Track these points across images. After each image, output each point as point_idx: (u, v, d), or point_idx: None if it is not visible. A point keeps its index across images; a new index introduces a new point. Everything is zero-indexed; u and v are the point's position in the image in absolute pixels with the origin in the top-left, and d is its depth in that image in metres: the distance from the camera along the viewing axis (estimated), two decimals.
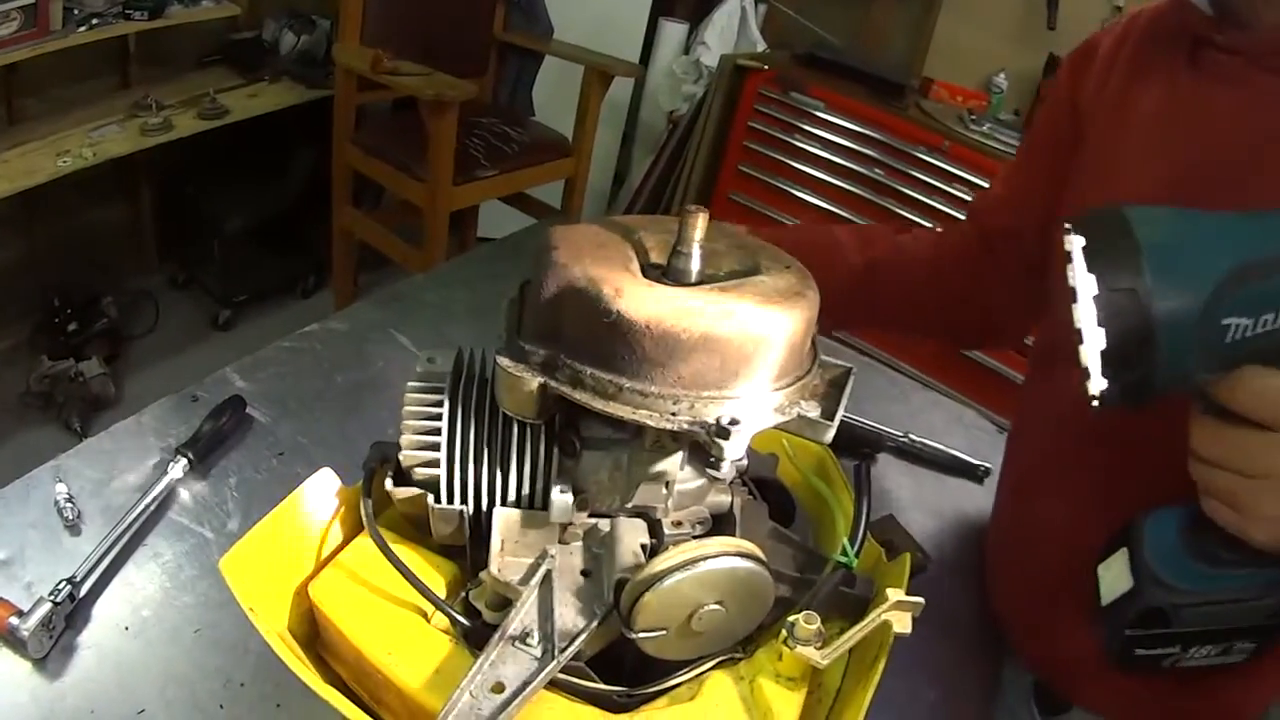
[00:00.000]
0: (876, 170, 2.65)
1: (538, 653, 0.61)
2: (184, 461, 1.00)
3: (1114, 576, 0.60)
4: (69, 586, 0.84)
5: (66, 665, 0.81)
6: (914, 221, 2.55)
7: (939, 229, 1.06)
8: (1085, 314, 0.49)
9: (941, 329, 1.19)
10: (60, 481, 0.96)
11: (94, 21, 2.40)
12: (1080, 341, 0.50)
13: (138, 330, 2.89)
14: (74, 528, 0.93)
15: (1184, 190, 0.69)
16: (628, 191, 3.56)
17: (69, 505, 0.94)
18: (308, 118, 2.82)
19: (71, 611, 0.85)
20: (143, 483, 0.99)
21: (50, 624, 0.81)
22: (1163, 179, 0.74)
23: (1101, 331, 0.49)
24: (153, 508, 0.96)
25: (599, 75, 2.63)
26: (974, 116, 2.57)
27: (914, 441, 1.25)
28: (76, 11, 2.38)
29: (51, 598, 0.82)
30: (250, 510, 1.00)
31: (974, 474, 1.24)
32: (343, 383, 1.20)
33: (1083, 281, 0.49)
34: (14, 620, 0.79)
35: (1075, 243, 0.50)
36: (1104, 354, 0.49)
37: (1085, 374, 0.51)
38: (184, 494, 1.00)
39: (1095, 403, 0.51)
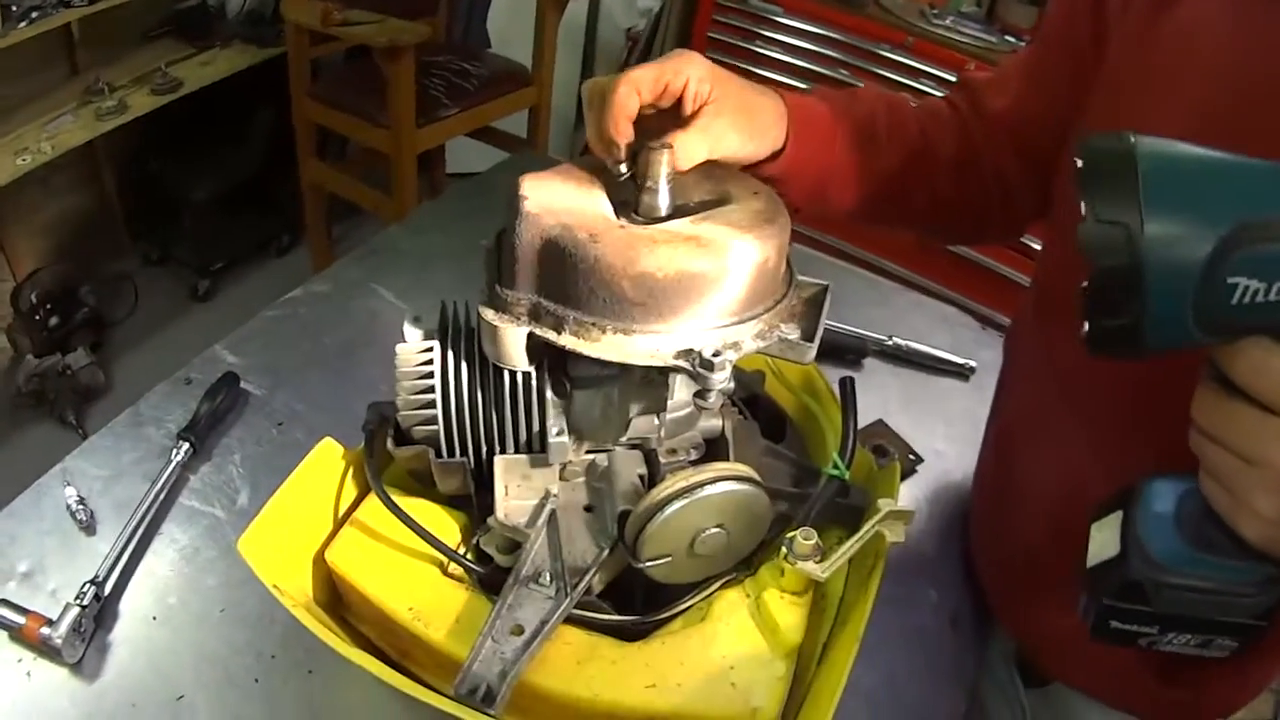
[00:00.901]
0: (841, 71, 2.62)
1: (551, 591, 0.64)
2: (186, 446, 1.02)
3: (1104, 539, 0.55)
4: (93, 588, 0.86)
5: (102, 664, 0.83)
6: None
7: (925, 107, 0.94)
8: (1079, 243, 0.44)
9: (938, 219, 1.03)
10: (69, 485, 0.97)
11: (34, 15, 2.31)
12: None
13: (119, 314, 2.86)
14: (89, 528, 0.94)
15: (1226, 124, 0.61)
16: None
17: (80, 507, 0.95)
18: (263, 78, 2.76)
19: (99, 611, 0.86)
20: (149, 473, 1.00)
21: (80, 627, 0.83)
22: (1200, 109, 0.64)
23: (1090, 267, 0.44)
24: (162, 496, 0.97)
25: (553, 1, 2.58)
26: (935, 11, 2.53)
27: (899, 344, 1.27)
28: (15, 7, 2.29)
29: (78, 602, 0.84)
30: (258, 483, 1.01)
31: (961, 372, 1.27)
32: (331, 344, 1.21)
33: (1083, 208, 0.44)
34: (45, 630, 0.81)
35: (1076, 163, 0.45)
36: (1085, 290, 0.44)
37: (1081, 305, 0.46)
38: (191, 478, 1.02)
39: (1083, 344, 0.46)
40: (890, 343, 1.26)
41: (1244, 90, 0.61)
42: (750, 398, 0.85)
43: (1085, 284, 0.44)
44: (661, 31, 3.01)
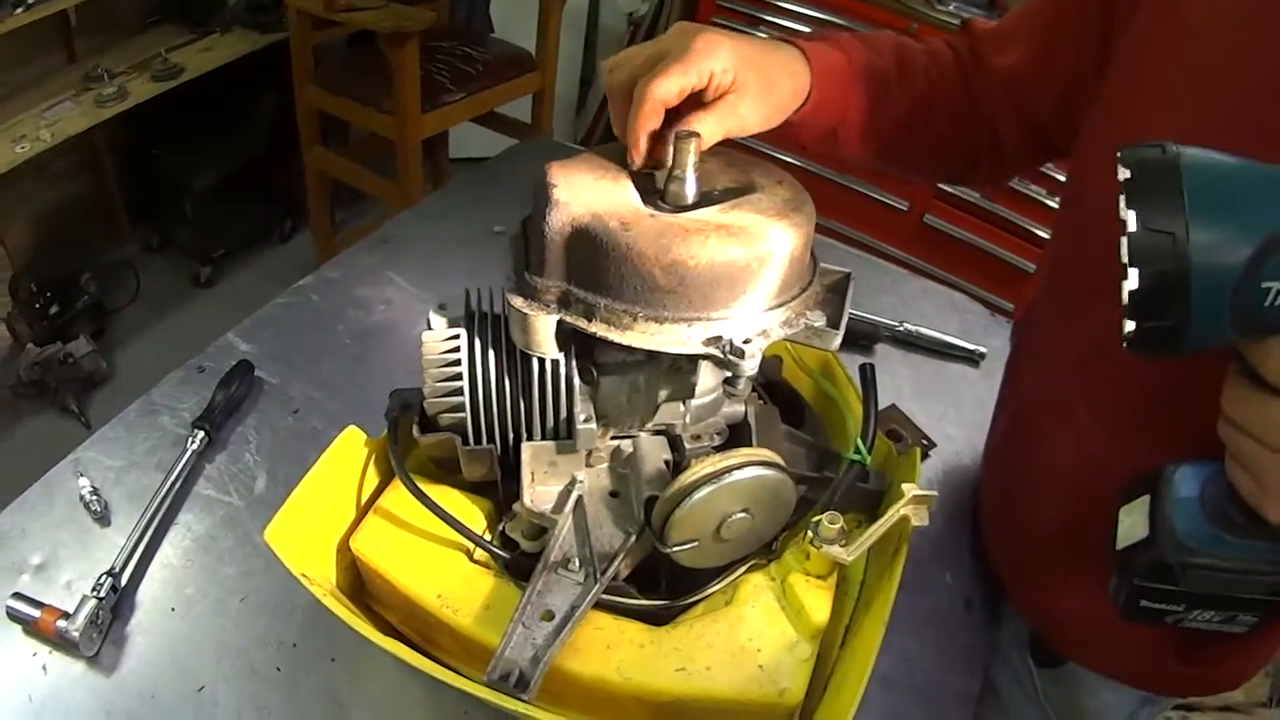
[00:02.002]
0: None
1: (580, 577, 0.65)
2: (201, 434, 1.01)
3: (1133, 522, 0.59)
4: (110, 579, 0.85)
5: (120, 657, 0.83)
6: None
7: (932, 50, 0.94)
8: (1124, 250, 0.47)
9: (931, 162, 1.02)
10: (82, 475, 0.97)
11: (29, 1, 2.30)
12: (1124, 277, 0.47)
13: (120, 301, 2.86)
14: (103, 519, 0.94)
15: (1237, 123, 0.63)
16: (595, 97, 3.52)
17: (94, 498, 0.95)
18: (263, 62, 2.75)
19: (116, 603, 0.86)
20: (163, 463, 1.00)
21: (98, 620, 0.82)
22: (1210, 107, 0.66)
23: (1135, 271, 0.46)
24: (178, 486, 0.97)
25: None
26: None
27: (910, 330, 1.27)
28: None
29: (94, 594, 0.83)
30: (275, 471, 1.01)
31: (970, 358, 1.27)
32: (345, 331, 1.22)
33: (1126, 218, 0.46)
34: (61, 624, 0.81)
35: (1122, 173, 0.48)
36: (1133, 295, 0.46)
37: (1123, 306, 0.48)
38: (206, 466, 1.01)
39: (1125, 344, 0.49)
40: (901, 329, 1.27)
41: (1253, 90, 0.62)
42: (769, 383, 0.86)
43: (1133, 288, 0.46)
44: (665, 16, 3.00)
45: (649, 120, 0.66)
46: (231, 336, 1.19)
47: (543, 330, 0.63)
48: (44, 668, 0.81)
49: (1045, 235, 2.36)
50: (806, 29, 2.65)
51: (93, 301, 2.71)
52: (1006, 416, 0.99)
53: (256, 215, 3.14)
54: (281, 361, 1.15)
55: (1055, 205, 2.33)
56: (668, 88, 0.65)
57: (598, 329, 0.61)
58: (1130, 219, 0.46)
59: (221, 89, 2.71)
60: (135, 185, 3.02)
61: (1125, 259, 0.46)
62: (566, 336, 0.65)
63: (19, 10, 2.28)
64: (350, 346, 1.19)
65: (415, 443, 0.74)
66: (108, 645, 0.83)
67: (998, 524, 0.99)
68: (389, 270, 1.32)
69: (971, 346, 1.27)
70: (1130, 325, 0.47)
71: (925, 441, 1.12)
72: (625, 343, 0.61)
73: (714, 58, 0.67)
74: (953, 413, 1.18)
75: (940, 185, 2.47)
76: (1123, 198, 0.47)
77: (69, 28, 2.60)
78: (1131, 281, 0.46)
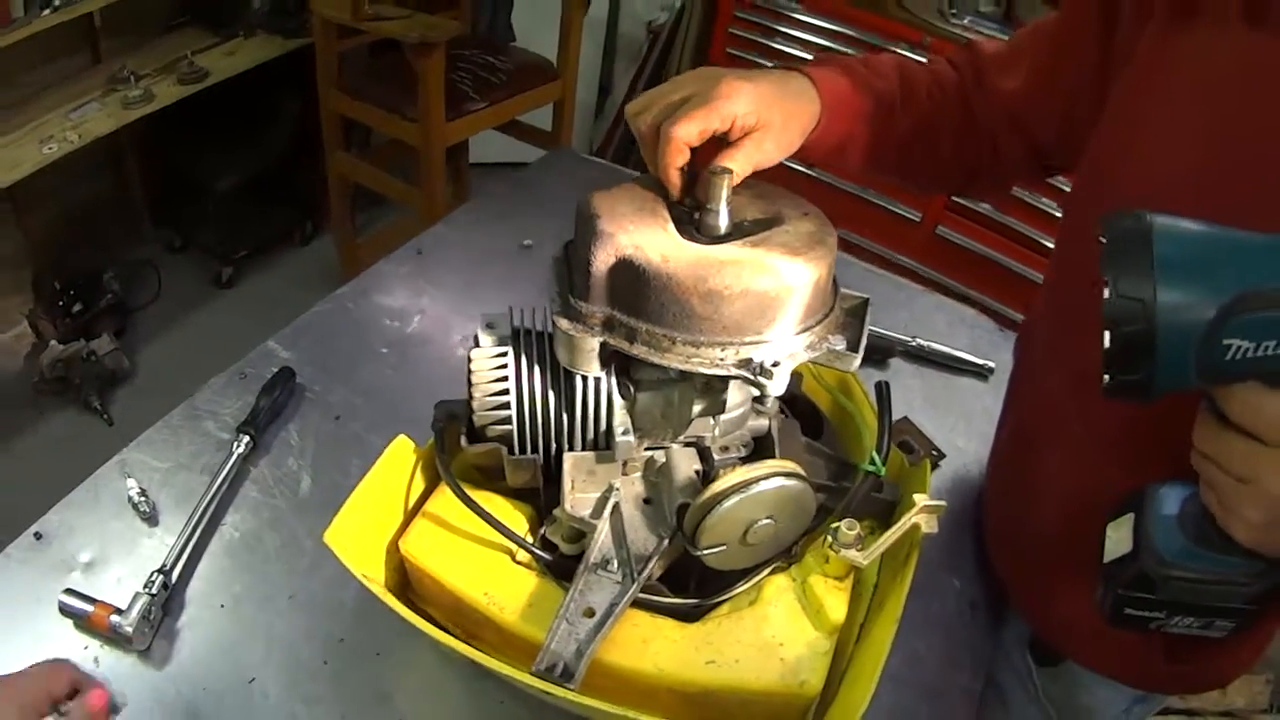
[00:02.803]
0: None
1: (619, 577, 0.70)
2: (246, 439, 1.06)
3: (1119, 538, 0.65)
4: (161, 576, 0.89)
5: (171, 651, 0.87)
6: None
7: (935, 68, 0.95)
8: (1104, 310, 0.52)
9: (931, 176, 1.06)
10: (129, 477, 1.01)
11: (56, 3, 2.34)
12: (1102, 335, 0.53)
13: (142, 300, 2.92)
14: (151, 519, 0.98)
15: (1220, 161, 0.67)
16: (613, 105, 3.57)
17: (143, 499, 0.99)
18: (287, 67, 2.80)
19: (167, 600, 0.90)
20: (208, 466, 1.05)
21: (150, 615, 0.86)
22: (1199, 145, 0.69)
23: (1108, 333, 0.51)
24: (224, 488, 1.01)
25: None
26: (954, 10, 2.57)
27: (922, 345, 1.33)
28: None
29: (147, 590, 0.88)
30: (318, 476, 1.06)
31: (980, 373, 1.33)
32: (381, 340, 1.27)
33: (1105, 281, 0.52)
34: (115, 618, 0.85)
35: (1101, 242, 0.53)
36: (1107, 352, 0.52)
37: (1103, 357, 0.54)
38: (251, 470, 1.06)
39: (1102, 392, 0.54)
40: (914, 344, 1.32)
41: (1251, 123, 0.66)
42: (790, 398, 0.91)
43: (1106, 346, 0.52)
44: (684, 26, 3.05)
45: (675, 158, 0.72)
46: (271, 343, 1.23)
47: (587, 351, 0.69)
48: (96, 660, 0.85)
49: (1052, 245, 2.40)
50: (820, 41, 2.69)
51: (115, 300, 2.77)
52: (1008, 430, 1.04)
53: (277, 218, 3.21)
54: (321, 369, 1.20)
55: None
56: (689, 130, 0.71)
57: (639, 351, 0.67)
58: (1106, 285, 0.51)
59: (244, 93, 2.76)
60: (158, 185, 3.07)
61: (1103, 319, 0.52)
62: (608, 356, 0.71)
63: (46, 12, 2.33)
64: (387, 355, 1.24)
65: (459, 451, 0.79)
66: (159, 639, 0.87)
67: (1000, 532, 1.04)
68: (422, 282, 1.38)
69: (981, 361, 1.32)
70: (1106, 377, 0.53)
71: (935, 452, 1.17)
72: (664, 364, 0.66)
73: (736, 101, 0.73)
74: (962, 425, 1.23)
75: (952, 198, 2.51)
76: (1102, 262, 0.52)
77: (94, 29, 2.64)
78: (1105, 340, 0.52)
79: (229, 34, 2.83)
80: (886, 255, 2.52)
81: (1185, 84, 0.70)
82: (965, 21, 2.55)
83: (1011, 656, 1.06)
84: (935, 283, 2.24)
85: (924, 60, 0.96)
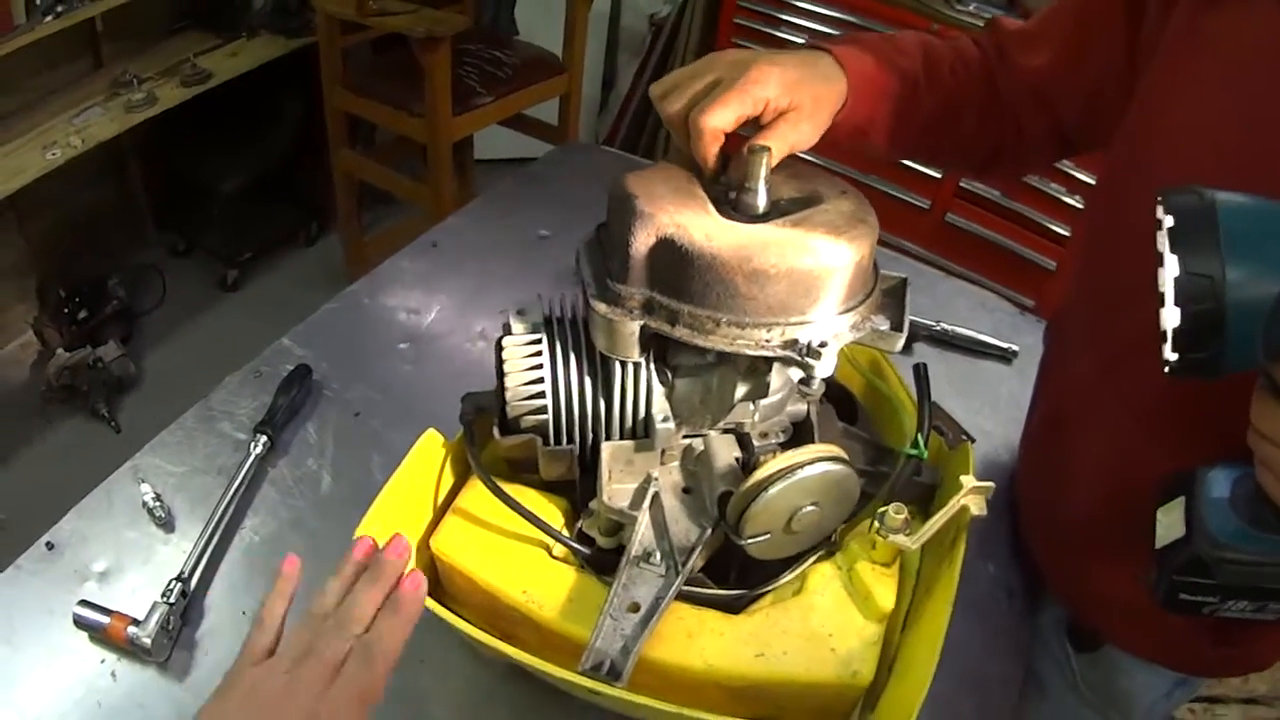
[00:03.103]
0: None
1: (662, 570, 0.69)
2: (264, 439, 1.04)
3: (1171, 522, 0.64)
4: (179, 584, 0.86)
5: (191, 661, 0.85)
6: None
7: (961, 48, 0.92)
8: (1167, 288, 0.52)
9: (954, 155, 1.06)
10: (143, 482, 0.98)
11: (59, 9, 2.32)
12: (1162, 305, 0.52)
13: (147, 305, 2.89)
14: (166, 525, 0.96)
15: (1253, 142, 0.66)
16: (617, 98, 3.55)
17: (158, 504, 0.96)
18: (289, 66, 2.78)
19: (186, 609, 0.87)
20: (224, 468, 1.02)
21: (168, 625, 0.83)
22: (1231, 126, 0.68)
23: (1178, 311, 0.51)
24: (243, 490, 0.98)
25: None
26: None
27: (946, 330, 1.31)
28: (39, 1, 2.31)
29: (165, 599, 0.84)
30: (339, 474, 1.04)
31: (1004, 356, 1.31)
32: (398, 335, 1.25)
33: (1167, 260, 0.51)
34: (132, 630, 0.82)
35: (1164, 221, 0.52)
36: (1176, 332, 0.51)
37: (1162, 337, 0.53)
38: (269, 470, 1.03)
39: (1167, 371, 0.54)
40: (938, 329, 1.31)
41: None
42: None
43: (1175, 325, 0.52)
44: (688, 16, 3.03)
45: (711, 148, 0.70)
46: (286, 341, 1.21)
47: (626, 335, 0.67)
48: (113, 674, 0.83)
49: (1065, 233, 2.38)
50: (827, 30, 2.67)
51: (121, 306, 2.74)
52: (1041, 413, 1.02)
53: (282, 219, 3.18)
54: (337, 365, 1.18)
55: (1074, 203, 2.35)
56: (725, 117, 0.69)
57: (681, 334, 0.65)
58: (1172, 263, 0.51)
59: (247, 94, 2.73)
60: (161, 189, 3.05)
61: (1169, 298, 0.51)
62: (647, 340, 0.69)
63: (48, 18, 2.31)
64: (405, 350, 1.22)
65: (489, 443, 0.78)
66: (178, 650, 0.85)
67: (1035, 516, 1.02)
68: (438, 275, 1.36)
69: (1004, 345, 1.31)
70: (1174, 356, 0.53)
71: (965, 436, 1.15)
72: (709, 346, 0.64)
73: (767, 86, 0.71)
74: (988, 409, 1.22)
75: (961, 184, 2.49)
76: (1164, 240, 0.52)
77: (96, 34, 2.62)
78: (1174, 319, 0.51)
79: (231, 35, 2.80)
80: (896, 243, 2.50)
81: (1215, 65, 0.70)
82: (970, 8, 2.53)
83: (1049, 643, 1.04)
84: (947, 270, 2.22)
85: (946, 38, 0.94)
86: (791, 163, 0.74)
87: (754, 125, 0.73)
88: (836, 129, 0.82)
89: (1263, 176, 0.63)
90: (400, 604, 0.60)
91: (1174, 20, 0.73)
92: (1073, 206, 2.34)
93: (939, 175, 2.50)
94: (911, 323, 1.27)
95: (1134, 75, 0.80)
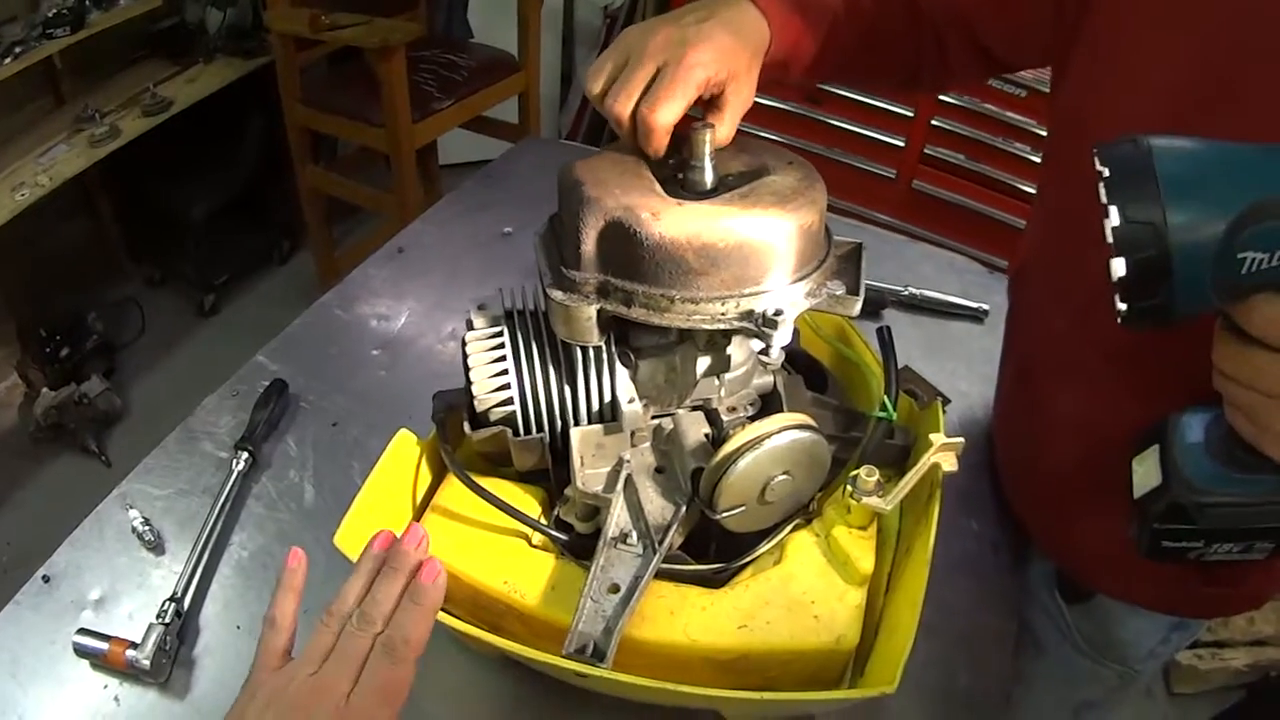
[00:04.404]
0: None
1: (639, 550, 0.69)
2: (245, 456, 1.04)
3: (1145, 471, 0.64)
4: (173, 604, 0.87)
5: (190, 679, 0.85)
6: None
7: None
8: (1110, 238, 0.51)
9: (872, 76, 1.04)
10: (131, 508, 0.99)
11: (17, 50, 2.32)
12: (1110, 255, 0.52)
13: (127, 338, 2.90)
14: (157, 548, 0.96)
15: (1216, 79, 0.66)
16: (576, 91, 3.55)
17: (146, 528, 0.97)
18: (248, 88, 2.78)
19: (181, 628, 0.88)
20: (209, 487, 1.03)
21: (166, 646, 0.84)
22: (1187, 62, 0.68)
23: (1121, 260, 0.51)
24: (228, 507, 0.99)
25: None
26: None
27: (914, 294, 1.32)
28: None
29: (160, 620, 0.85)
30: (321, 484, 1.04)
31: (975, 316, 1.32)
32: (371, 342, 1.25)
33: (1109, 210, 0.51)
34: (130, 653, 0.82)
35: (1102, 172, 0.52)
36: (1121, 280, 0.51)
37: (1114, 287, 0.53)
38: (253, 486, 1.04)
39: (1119, 321, 0.54)
40: (906, 293, 1.31)
41: (1238, 44, 0.65)
42: (790, 354, 0.90)
43: (1120, 274, 0.51)
44: (640, 7, 3.03)
45: (664, 141, 0.70)
46: (260, 357, 1.21)
47: (584, 320, 0.67)
48: (116, 699, 0.83)
49: (1033, 191, 2.38)
50: None
51: (101, 340, 2.74)
52: (1012, 368, 1.03)
53: (254, 240, 3.18)
54: (313, 378, 1.18)
55: (1040, 161, 2.35)
56: (674, 110, 0.69)
57: (638, 314, 0.65)
58: (1112, 212, 0.50)
59: (208, 118, 2.73)
60: (132, 221, 3.05)
61: (1111, 248, 0.51)
62: (606, 326, 0.69)
63: (7, 60, 2.30)
64: (379, 357, 1.22)
65: (462, 440, 0.78)
66: (177, 670, 0.85)
67: (1014, 470, 1.03)
68: (406, 280, 1.36)
69: (975, 305, 1.32)
70: (1123, 306, 0.52)
71: (940, 397, 1.16)
72: (665, 324, 0.65)
73: (707, 66, 0.70)
74: (963, 369, 1.22)
75: (925, 150, 2.49)
76: (1103, 191, 0.51)
77: (55, 71, 2.63)
78: (1119, 268, 0.51)
79: (189, 61, 2.81)
80: (865, 214, 2.51)
81: (1164, 3, 0.69)
82: None
83: (1040, 597, 1.05)
84: (918, 237, 2.23)
85: None
86: (739, 137, 0.75)
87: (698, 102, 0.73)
88: None
89: (1215, 116, 0.65)
90: (420, 594, 0.59)
91: None
92: (1039, 165, 2.34)
93: (903, 144, 2.50)
94: (879, 288, 1.30)
95: (1064, 3, 0.79)
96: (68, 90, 2.68)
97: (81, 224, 2.95)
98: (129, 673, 0.84)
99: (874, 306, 1.30)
